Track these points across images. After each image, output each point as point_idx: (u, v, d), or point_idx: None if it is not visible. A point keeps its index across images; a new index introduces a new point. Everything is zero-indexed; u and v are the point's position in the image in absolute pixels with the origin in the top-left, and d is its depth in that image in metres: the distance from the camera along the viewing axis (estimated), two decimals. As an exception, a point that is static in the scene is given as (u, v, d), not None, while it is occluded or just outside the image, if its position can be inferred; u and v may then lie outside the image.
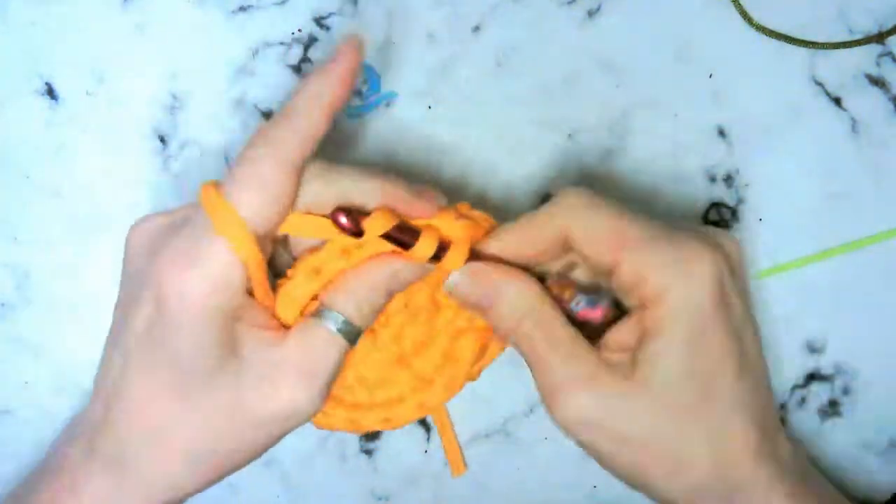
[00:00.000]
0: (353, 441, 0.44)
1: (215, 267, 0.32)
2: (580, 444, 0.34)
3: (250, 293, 0.33)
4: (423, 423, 0.44)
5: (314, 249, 0.35)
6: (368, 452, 0.44)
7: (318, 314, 0.34)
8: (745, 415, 0.33)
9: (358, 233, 0.33)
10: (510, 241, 0.35)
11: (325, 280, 0.34)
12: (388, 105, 0.42)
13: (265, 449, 0.35)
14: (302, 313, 0.35)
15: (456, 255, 0.34)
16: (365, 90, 0.42)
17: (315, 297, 0.35)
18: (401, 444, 0.44)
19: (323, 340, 0.34)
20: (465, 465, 0.43)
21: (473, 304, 0.35)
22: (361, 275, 0.35)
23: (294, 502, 0.44)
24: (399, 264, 0.35)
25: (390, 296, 0.35)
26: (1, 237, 0.42)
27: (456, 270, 0.35)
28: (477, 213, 0.36)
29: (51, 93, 0.42)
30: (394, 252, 0.34)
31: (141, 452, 0.33)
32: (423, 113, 0.42)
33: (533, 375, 0.35)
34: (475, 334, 0.38)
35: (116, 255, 0.42)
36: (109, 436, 0.34)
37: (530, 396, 0.43)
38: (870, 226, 0.43)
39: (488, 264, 0.35)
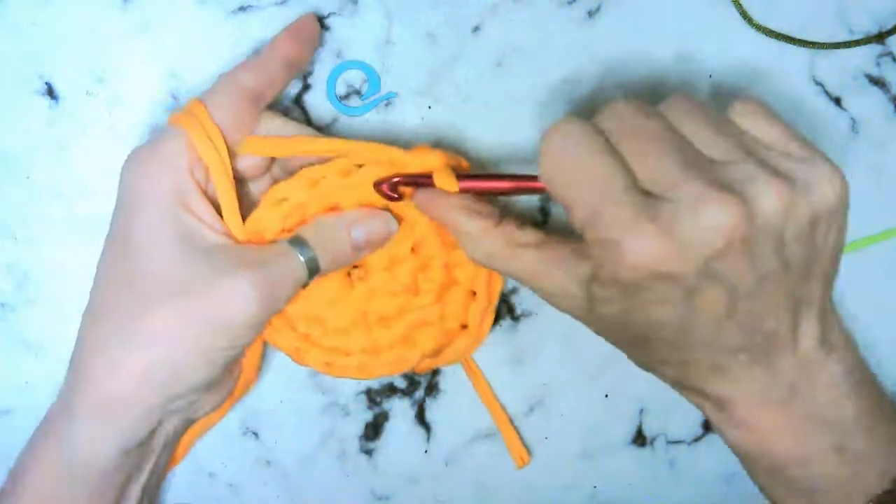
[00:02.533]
0: (353, 441, 0.44)
1: (165, 147, 0.36)
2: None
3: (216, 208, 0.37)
4: (424, 423, 0.44)
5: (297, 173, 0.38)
6: (368, 452, 0.44)
7: (290, 240, 0.37)
8: None
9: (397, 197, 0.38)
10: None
11: (288, 208, 0.37)
12: (388, 105, 0.42)
13: (215, 365, 0.35)
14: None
15: (445, 177, 0.36)
16: (365, 90, 0.42)
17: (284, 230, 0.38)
18: (401, 444, 0.44)
19: (291, 262, 0.36)
20: (529, 454, 0.44)
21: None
22: (338, 220, 0.38)
23: (294, 502, 0.44)
24: (373, 220, 0.38)
25: (358, 251, 0.38)
26: (1, 237, 0.42)
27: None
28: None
29: (51, 93, 0.42)
30: (369, 205, 0.38)
31: (98, 380, 0.34)
32: (423, 113, 0.42)
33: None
34: (437, 332, 0.39)
35: (116, 255, 0.42)
36: (71, 374, 0.36)
37: (530, 396, 0.43)
38: (870, 226, 0.43)
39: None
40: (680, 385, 0.34)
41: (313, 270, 0.36)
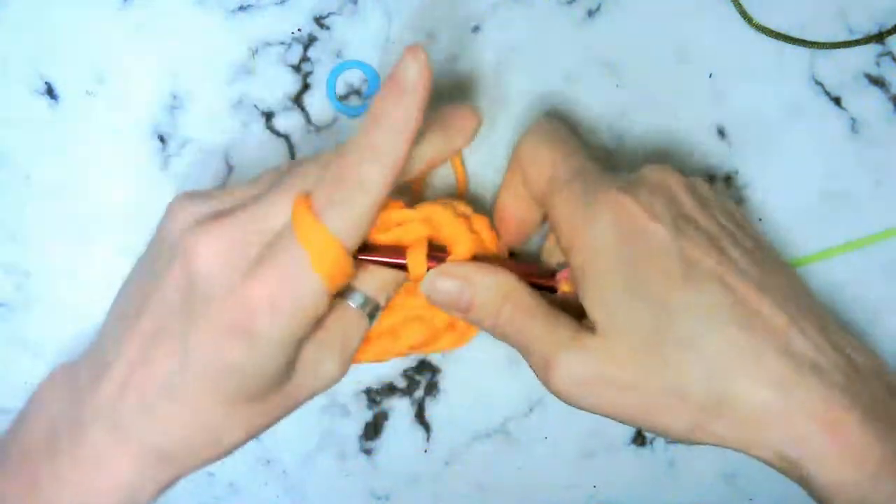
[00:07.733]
0: (353, 441, 0.44)
1: (310, 304, 0.33)
2: (585, 407, 0.34)
3: None
4: (424, 422, 0.44)
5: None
6: (368, 452, 0.44)
7: (344, 294, 0.36)
8: (719, 322, 0.32)
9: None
10: (507, 198, 0.38)
11: None
12: (388, 105, 0.42)
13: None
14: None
15: (415, 258, 0.36)
16: (365, 90, 0.42)
17: None
18: (401, 443, 0.44)
19: (354, 317, 0.37)
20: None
21: (454, 303, 0.36)
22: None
23: (294, 502, 0.44)
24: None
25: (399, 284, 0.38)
26: (1, 237, 0.42)
27: (426, 274, 0.36)
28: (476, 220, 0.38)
29: (51, 93, 0.42)
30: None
31: (153, 423, 0.33)
32: (423, 113, 0.42)
33: (526, 357, 0.35)
34: (425, 328, 0.39)
35: (116, 256, 0.42)
36: (123, 404, 0.33)
37: (530, 396, 0.43)
38: (870, 226, 0.43)
39: (457, 262, 0.36)
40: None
41: (373, 312, 0.37)
